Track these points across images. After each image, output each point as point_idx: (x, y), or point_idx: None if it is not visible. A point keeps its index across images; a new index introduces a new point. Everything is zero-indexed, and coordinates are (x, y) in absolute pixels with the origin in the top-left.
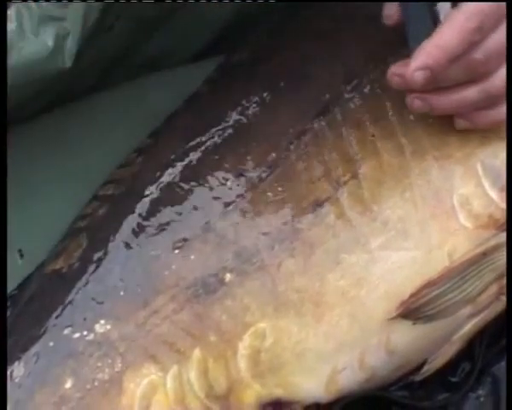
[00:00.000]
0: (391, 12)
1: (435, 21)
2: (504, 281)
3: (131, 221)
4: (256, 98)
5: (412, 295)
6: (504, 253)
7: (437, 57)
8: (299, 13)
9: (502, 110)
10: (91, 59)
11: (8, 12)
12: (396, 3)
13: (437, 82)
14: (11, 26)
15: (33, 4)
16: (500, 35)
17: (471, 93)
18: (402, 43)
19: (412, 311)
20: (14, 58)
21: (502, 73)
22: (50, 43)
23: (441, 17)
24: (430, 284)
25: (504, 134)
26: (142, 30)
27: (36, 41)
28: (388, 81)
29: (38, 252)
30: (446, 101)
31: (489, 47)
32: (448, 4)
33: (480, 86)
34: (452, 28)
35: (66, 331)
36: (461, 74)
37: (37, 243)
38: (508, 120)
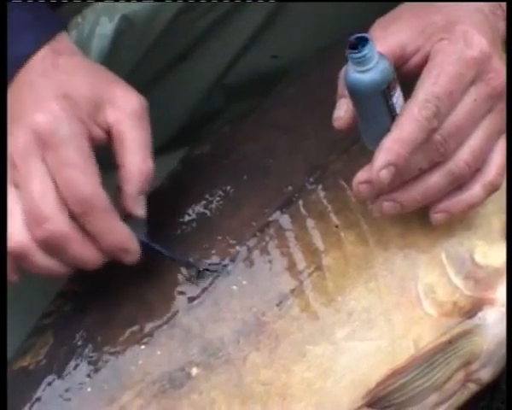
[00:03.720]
0: (341, 114)
1: (392, 116)
2: (471, 368)
3: (96, 317)
4: (219, 192)
5: (378, 384)
6: (470, 340)
7: (399, 152)
8: (260, 106)
9: (473, 192)
10: None
11: None
12: (347, 105)
13: (402, 176)
14: None
15: None
16: (457, 114)
17: (436, 178)
18: None
19: (379, 400)
20: None
21: (463, 152)
22: None
23: (397, 110)
24: (396, 373)
25: (468, 221)
26: None
27: None
28: (355, 196)
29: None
30: (414, 193)
31: (447, 128)
32: (402, 96)
33: (443, 169)
34: (409, 119)
35: None
36: (423, 161)
37: None
38: (508, 121)
